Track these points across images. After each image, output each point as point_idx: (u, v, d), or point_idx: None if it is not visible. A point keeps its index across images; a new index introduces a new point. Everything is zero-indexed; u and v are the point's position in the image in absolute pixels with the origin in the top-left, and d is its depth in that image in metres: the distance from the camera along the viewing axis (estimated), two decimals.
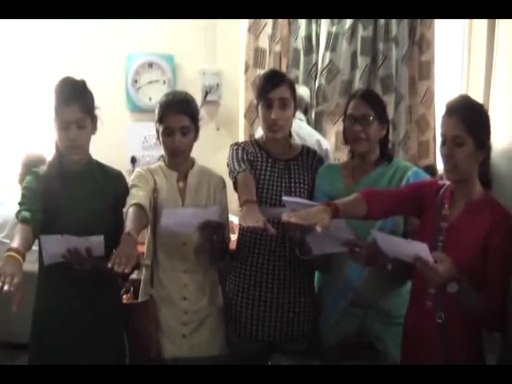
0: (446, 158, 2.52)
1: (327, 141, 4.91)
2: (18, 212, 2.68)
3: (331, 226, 2.52)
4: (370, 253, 2.65)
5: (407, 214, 2.91)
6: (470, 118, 2.49)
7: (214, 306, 3.11)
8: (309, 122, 4.97)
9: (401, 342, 2.78)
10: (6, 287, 2.28)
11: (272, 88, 3.01)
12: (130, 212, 2.75)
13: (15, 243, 2.50)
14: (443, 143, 2.53)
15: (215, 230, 2.85)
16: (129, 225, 2.67)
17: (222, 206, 3.09)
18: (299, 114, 4.71)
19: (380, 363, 2.87)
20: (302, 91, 4.83)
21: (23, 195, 2.78)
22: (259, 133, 3.71)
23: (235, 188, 3.00)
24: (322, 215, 2.50)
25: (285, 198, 2.82)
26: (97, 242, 2.61)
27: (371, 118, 2.94)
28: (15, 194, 3.07)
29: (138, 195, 2.85)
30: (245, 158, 3.05)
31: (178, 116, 2.97)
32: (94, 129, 2.87)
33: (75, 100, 2.76)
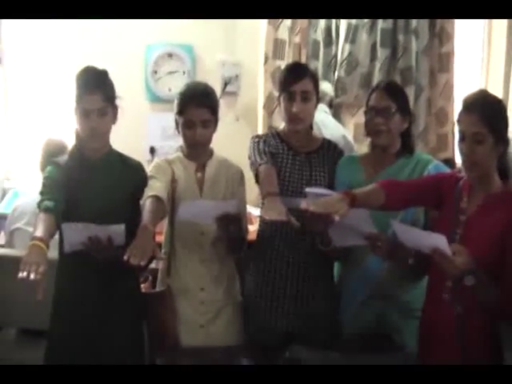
0: (466, 156, 2.51)
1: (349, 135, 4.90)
2: (41, 201, 2.70)
3: (354, 216, 2.54)
4: (392, 247, 2.66)
5: (425, 206, 2.91)
6: (490, 114, 2.47)
7: (231, 297, 3.13)
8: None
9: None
10: (32, 276, 2.32)
11: (294, 81, 3.00)
12: (147, 204, 2.75)
13: (39, 232, 2.53)
14: (462, 140, 2.52)
15: (232, 221, 2.86)
16: (145, 217, 2.68)
17: (240, 197, 3.10)
18: (325, 107, 4.71)
19: (397, 355, 2.87)
20: (325, 86, 4.83)
21: (44, 185, 2.80)
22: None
23: (257, 180, 3.01)
24: (340, 204, 2.51)
25: (308, 190, 2.83)
26: (118, 231, 2.63)
27: (393, 111, 2.93)
28: (35, 183, 3.10)
29: (155, 187, 2.85)
30: (266, 150, 3.04)
31: (199, 109, 2.97)
32: (114, 118, 2.89)
33: (97, 88, 2.78)
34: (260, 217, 3.09)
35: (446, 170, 3.01)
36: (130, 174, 2.95)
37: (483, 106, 2.49)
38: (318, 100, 3.15)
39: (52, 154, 3.34)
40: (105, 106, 2.80)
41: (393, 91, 3.00)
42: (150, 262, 2.63)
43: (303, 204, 2.51)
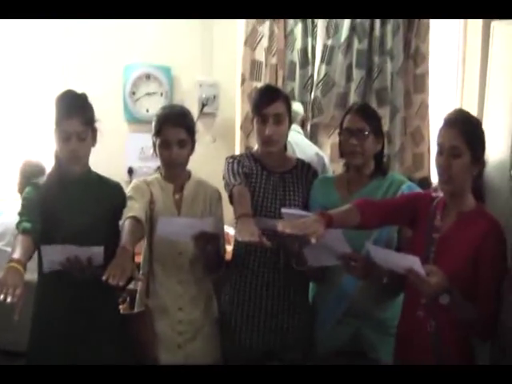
0: (442, 169, 2.55)
1: (323, 153, 4.94)
2: (19, 223, 2.72)
3: (328, 236, 2.56)
4: (366, 266, 2.69)
5: (400, 224, 2.95)
6: (469, 130, 2.53)
7: (208, 316, 3.14)
8: (305, 135, 5.00)
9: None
10: (8, 298, 2.34)
11: (267, 104, 3.04)
12: (126, 225, 2.78)
13: (16, 254, 2.55)
14: (440, 153, 2.57)
15: (209, 240, 2.88)
16: (124, 238, 2.71)
17: (218, 217, 3.12)
18: (297, 127, 4.74)
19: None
20: (296, 107, 4.86)
21: (23, 206, 2.82)
22: None
23: (231, 201, 3.03)
24: (316, 225, 2.53)
25: (283, 210, 2.85)
26: (97, 252, 2.64)
27: (367, 133, 2.98)
28: (15, 203, 3.10)
29: (134, 208, 2.88)
30: (240, 171, 3.08)
31: (175, 129, 3.01)
32: (93, 141, 2.92)
33: (76, 112, 2.81)
34: (235, 237, 3.12)
35: (419, 190, 3.05)
36: (109, 195, 2.98)
37: (463, 122, 2.55)
38: (291, 121, 3.19)
39: (30, 175, 3.36)
40: (84, 129, 2.83)
41: (366, 113, 3.04)
42: (128, 282, 2.64)
43: (279, 226, 2.54)
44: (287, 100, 3.15)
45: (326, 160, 4.74)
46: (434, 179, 2.69)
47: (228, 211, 3.20)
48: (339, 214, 2.67)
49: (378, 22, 5.19)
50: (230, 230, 3.90)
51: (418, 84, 5.45)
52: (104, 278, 2.46)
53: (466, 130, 2.51)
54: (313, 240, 2.48)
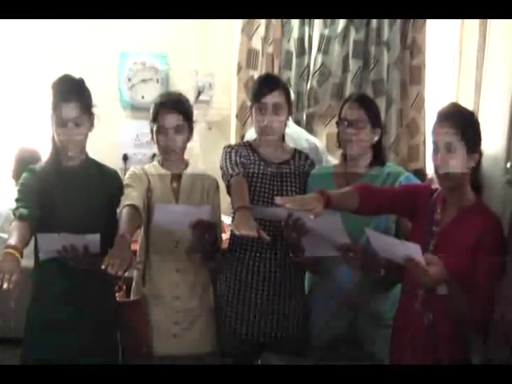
0: (439, 166, 2.55)
1: (315, 139, 4.92)
2: (16, 209, 2.71)
3: (326, 226, 2.57)
4: (364, 257, 2.68)
5: (398, 214, 2.95)
6: (462, 125, 2.52)
7: (205, 306, 3.14)
8: (299, 124, 4.98)
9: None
10: (5, 285, 2.33)
11: (266, 93, 3.03)
12: (123, 213, 2.78)
13: (13, 240, 2.54)
14: (435, 151, 2.56)
15: (207, 229, 2.87)
16: (122, 226, 2.70)
17: (215, 207, 3.11)
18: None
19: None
20: None
21: (20, 192, 2.80)
22: (250, 134, 3.73)
23: (228, 191, 3.02)
24: (315, 203, 2.54)
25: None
26: (93, 240, 2.64)
27: (364, 122, 2.97)
28: (8, 189, 3.09)
29: (131, 196, 2.87)
30: (238, 161, 3.06)
31: (172, 114, 3.01)
32: (91, 126, 2.91)
33: (74, 97, 2.79)
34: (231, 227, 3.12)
35: (417, 181, 3.05)
36: (107, 182, 2.97)
37: (456, 118, 2.54)
38: (290, 111, 3.18)
39: (25, 162, 3.33)
40: (81, 114, 2.82)
41: (364, 103, 3.04)
42: (125, 270, 2.63)
43: (278, 200, 2.54)
44: (286, 90, 3.14)
45: (318, 144, 4.70)
46: (430, 170, 2.69)
47: (224, 200, 3.19)
48: (338, 196, 2.67)
49: None
50: (226, 219, 3.90)
51: (415, 75, 5.42)
52: (103, 267, 2.45)
53: (458, 125, 2.51)
54: (311, 217, 2.48)
